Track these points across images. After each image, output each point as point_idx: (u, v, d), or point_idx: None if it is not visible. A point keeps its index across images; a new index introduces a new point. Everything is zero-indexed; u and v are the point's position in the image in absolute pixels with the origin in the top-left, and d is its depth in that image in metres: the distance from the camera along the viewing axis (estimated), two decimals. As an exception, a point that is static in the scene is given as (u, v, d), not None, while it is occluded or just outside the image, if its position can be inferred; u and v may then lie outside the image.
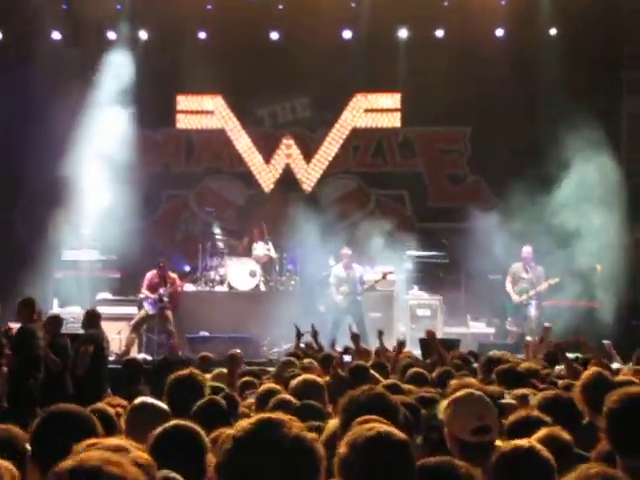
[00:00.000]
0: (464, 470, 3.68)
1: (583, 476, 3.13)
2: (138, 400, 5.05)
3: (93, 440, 3.35)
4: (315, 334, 11.02)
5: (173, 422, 4.22)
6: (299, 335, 10.96)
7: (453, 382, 6.41)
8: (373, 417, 3.55)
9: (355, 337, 10.25)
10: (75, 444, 3.14)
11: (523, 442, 3.84)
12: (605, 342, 11.80)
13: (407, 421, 4.46)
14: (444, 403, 4.58)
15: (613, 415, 4.11)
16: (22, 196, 17.62)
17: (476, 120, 18.50)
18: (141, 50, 18.41)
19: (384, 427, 3.18)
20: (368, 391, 4.44)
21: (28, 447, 3.76)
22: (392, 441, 3.11)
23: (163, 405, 5.04)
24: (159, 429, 4.13)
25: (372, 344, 13.16)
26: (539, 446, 3.82)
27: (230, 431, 2.73)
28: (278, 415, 2.72)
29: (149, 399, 5.10)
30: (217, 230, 17.76)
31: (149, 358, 15.02)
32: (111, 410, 5.20)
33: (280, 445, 2.59)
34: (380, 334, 10.64)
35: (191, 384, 5.70)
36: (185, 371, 5.90)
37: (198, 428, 4.14)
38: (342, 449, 3.11)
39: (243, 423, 2.71)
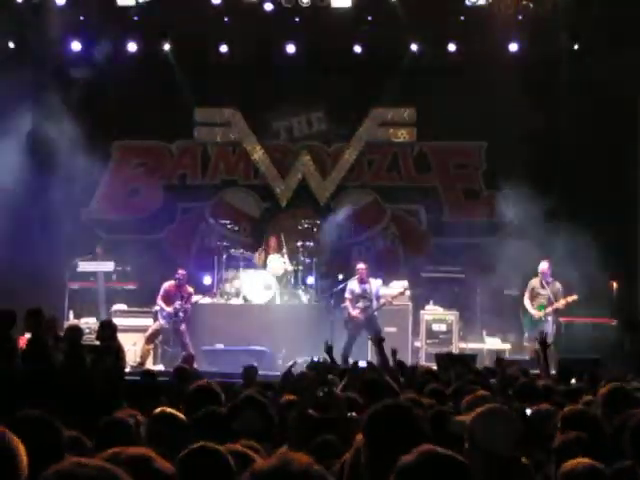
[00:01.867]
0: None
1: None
2: (158, 410, 5.04)
3: (117, 449, 3.33)
4: (330, 350, 10.96)
5: (200, 444, 4.12)
6: (330, 350, 10.86)
7: (468, 397, 6.37)
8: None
9: (394, 352, 10.16)
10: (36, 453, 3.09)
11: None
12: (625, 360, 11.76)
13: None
14: (466, 417, 4.53)
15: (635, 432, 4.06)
16: (38, 208, 17.65)
17: (492, 135, 18.47)
18: (160, 62, 18.45)
19: (442, 450, 3.10)
20: (390, 404, 4.39)
21: None
22: (454, 464, 3.06)
23: (182, 416, 5.02)
24: (185, 451, 4.05)
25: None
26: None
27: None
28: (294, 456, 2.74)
29: (168, 409, 5.08)
30: (233, 242, 17.78)
31: (164, 369, 15.01)
32: (130, 420, 5.19)
33: None
34: (394, 352, 10.55)
35: (210, 395, 5.69)
36: (203, 383, 5.88)
37: (225, 451, 4.07)
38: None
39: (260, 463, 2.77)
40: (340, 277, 16.71)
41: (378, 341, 9.57)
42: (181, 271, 15.91)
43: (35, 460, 2.82)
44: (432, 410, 5.99)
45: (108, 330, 11.75)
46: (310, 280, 17.39)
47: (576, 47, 17.50)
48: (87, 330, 14.74)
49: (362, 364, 8.65)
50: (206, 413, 5.14)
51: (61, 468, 2.53)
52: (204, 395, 5.74)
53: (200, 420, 5.10)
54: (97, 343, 11.96)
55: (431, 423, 5.18)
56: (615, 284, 15.87)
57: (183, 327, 15.73)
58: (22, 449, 2.88)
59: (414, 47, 18.16)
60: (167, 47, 18.33)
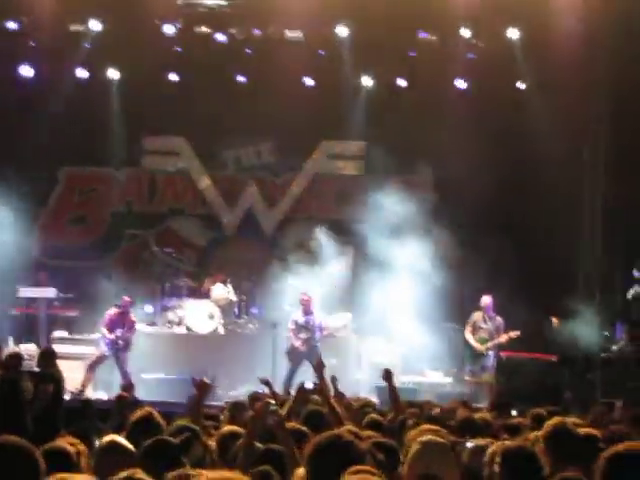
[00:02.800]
0: None
1: None
2: (108, 439, 5.01)
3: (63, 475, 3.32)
4: (267, 383, 10.89)
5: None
6: (267, 383, 10.79)
7: (412, 432, 6.41)
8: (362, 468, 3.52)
9: (334, 379, 10.15)
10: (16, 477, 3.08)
11: None
12: (566, 394, 11.90)
13: (380, 464, 4.45)
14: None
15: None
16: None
17: (438, 168, 18.65)
18: (110, 89, 18.41)
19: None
20: (333, 437, 4.41)
21: None
22: None
23: (130, 446, 4.99)
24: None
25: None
26: None
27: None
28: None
29: (118, 438, 5.06)
30: (177, 271, 17.73)
31: (105, 398, 14.88)
32: (72, 449, 5.15)
33: None
34: (334, 379, 10.56)
35: (152, 424, 5.66)
36: (145, 411, 5.85)
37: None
38: None
39: None
40: (287, 308, 16.66)
41: (319, 366, 9.54)
42: (126, 298, 15.81)
43: None
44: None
45: (48, 357, 11.63)
46: (253, 310, 17.38)
47: (523, 87, 17.81)
48: (27, 357, 14.56)
49: (308, 385, 8.63)
50: (156, 443, 5.11)
51: None
52: (146, 424, 5.70)
53: (148, 449, 5.07)
54: (37, 370, 11.82)
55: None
56: (555, 320, 16.06)
57: (124, 355, 15.61)
58: None
59: (365, 81, 18.33)
60: (116, 75, 18.30)
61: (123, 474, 3.97)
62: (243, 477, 2.94)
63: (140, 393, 14.36)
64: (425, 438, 4.51)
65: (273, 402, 6.00)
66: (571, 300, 17.05)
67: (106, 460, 4.75)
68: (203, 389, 7.18)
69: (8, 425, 9.51)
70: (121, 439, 5.04)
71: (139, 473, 3.69)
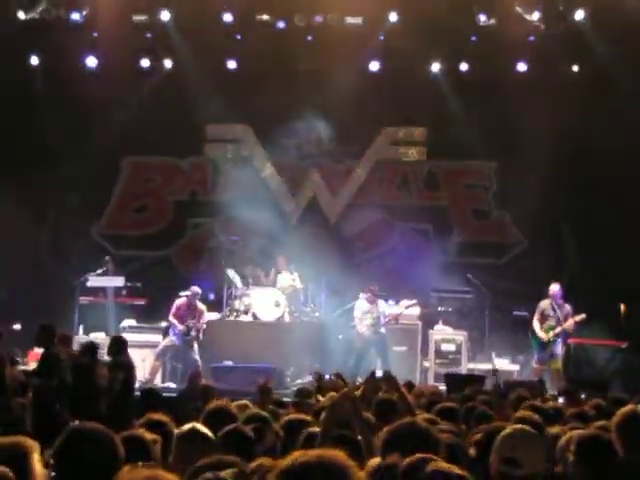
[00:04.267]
0: None
1: None
2: (188, 426, 5.08)
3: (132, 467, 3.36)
4: (320, 377, 10.88)
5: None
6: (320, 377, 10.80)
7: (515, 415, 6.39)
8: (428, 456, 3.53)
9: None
10: (96, 463, 3.13)
11: None
12: None
13: (453, 454, 4.44)
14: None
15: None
16: (48, 223, 17.68)
17: (502, 155, 18.51)
18: (170, 79, 18.56)
19: (444, 464, 3.17)
20: (409, 424, 4.41)
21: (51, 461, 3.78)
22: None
23: (210, 433, 5.05)
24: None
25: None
26: None
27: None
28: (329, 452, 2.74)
29: (198, 426, 5.12)
30: (242, 259, 17.80)
31: (173, 386, 15.03)
32: (148, 437, 5.20)
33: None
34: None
35: (227, 414, 5.71)
36: (221, 402, 5.91)
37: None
38: None
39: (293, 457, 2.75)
40: (360, 296, 16.64)
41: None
42: (194, 288, 15.92)
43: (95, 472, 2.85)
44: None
45: (119, 346, 11.76)
46: (319, 298, 17.42)
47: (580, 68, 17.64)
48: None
49: (378, 373, 8.61)
50: (232, 431, 5.17)
51: None
52: (222, 414, 5.76)
53: (225, 438, 5.13)
54: (107, 358, 11.97)
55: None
56: (624, 306, 15.83)
57: (195, 345, 15.72)
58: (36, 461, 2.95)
59: (428, 67, 18.24)
60: (176, 64, 18.45)
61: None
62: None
63: (209, 382, 14.50)
64: (518, 425, 4.54)
65: (354, 390, 5.99)
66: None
67: (187, 447, 4.80)
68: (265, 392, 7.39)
69: (83, 411, 9.69)
70: (201, 427, 5.10)
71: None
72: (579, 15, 16.81)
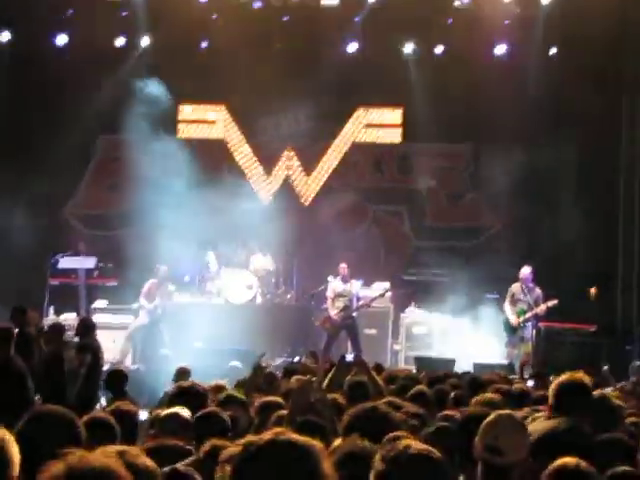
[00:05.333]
0: None
1: None
2: (169, 410, 5.12)
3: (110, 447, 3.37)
4: (314, 356, 10.97)
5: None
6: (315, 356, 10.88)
7: (474, 399, 6.42)
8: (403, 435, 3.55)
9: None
10: (57, 445, 3.12)
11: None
12: (603, 367, 11.81)
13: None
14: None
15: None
16: (20, 203, 17.52)
17: (478, 137, 18.53)
18: (144, 57, 18.42)
19: (421, 445, 3.19)
20: (368, 409, 4.42)
21: None
22: (432, 459, 3.11)
23: (189, 417, 5.09)
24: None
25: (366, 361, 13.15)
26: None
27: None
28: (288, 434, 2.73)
29: (179, 409, 5.16)
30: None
31: (142, 368, 14.99)
32: (112, 419, 5.19)
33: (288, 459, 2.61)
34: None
35: (195, 394, 5.73)
36: (187, 382, 5.90)
37: None
38: (379, 465, 3.10)
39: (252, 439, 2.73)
40: (329, 279, 16.59)
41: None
42: (161, 266, 15.87)
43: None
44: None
45: (86, 328, 11.71)
46: (291, 280, 17.41)
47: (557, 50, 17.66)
48: (67, 327, 14.69)
49: (349, 357, 8.65)
50: (207, 415, 5.22)
51: (69, 463, 2.55)
52: (190, 394, 5.79)
53: (201, 421, 5.19)
54: (75, 340, 11.92)
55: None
56: (594, 290, 15.92)
57: (162, 325, 15.71)
58: (14, 449, 2.93)
59: (404, 48, 18.20)
60: (148, 42, 18.31)
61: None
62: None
63: (180, 363, 14.46)
64: (503, 412, 4.55)
65: (314, 378, 6.03)
66: (612, 269, 17.01)
67: (166, 429, 4.86)
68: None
69: (52, 395, 9.67)
70: (182, 410, 5.15)
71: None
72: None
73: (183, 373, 9.51)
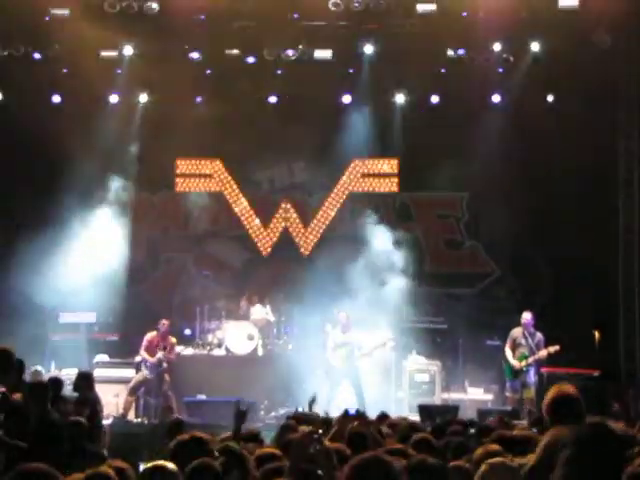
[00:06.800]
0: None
1: None
2: (153, 463, 5.06)
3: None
4: (313, 401, 10.95)
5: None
6: (313, 401, 10.88)
7: (478, 451, 6.40)
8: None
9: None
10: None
11: None
12: (614, 407, 11.81)
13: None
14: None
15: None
16: (17, 261, 17.52)
17: (474, 186, 18.63)
18: (140, 114, 18.55)
19: None
20: (371, 457, 4.42)
21: None
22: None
23: (175, 468, 5.04)
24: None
25: (370, 410, 13.12)
26: None
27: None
28: None
29: (165, 463, 5.11)
30: (215, 293, 17.79)
31: (146, 422, 14.94)
32: (112, 473, 5.18)
33: None
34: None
35: (198, 446, 5.68)
36: (188, 435, 5.86)
37: None
38: None
39: None
40: (328, 328, 16.60)
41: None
42: (164, 321, 15.87)
43: None
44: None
45: (85, 381, 11.69)
46: (292, 330, 17.40)
47: (551, 99, 17.74)
48: (69, 382, 14.65)
49: (351, 411, 8.65)
50: (200, 465, 5.16)
51: None
52: (193, 447, 5.73)
53: (193, 472, 5.12)
54: (74, 394, 11.88)
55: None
56: (597, 334, 15.90)
57: (167, 377, 15.67)
58: None
59: (397, 98, 18.34)
60: (146, 99, 18.44)
61: None
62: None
63: (182, 416, 14.43)
64: (495, 460, 4.55)
65: (318, 430, 5.99)
66: (614, 314, 17.00)
67: None
68: (240, 418, 7.42)
69: (43, 452, 9.60)
70: (168, 463, 5.08)
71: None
72: (535, 47, 16.93)
73: (176, 425, 9.42)
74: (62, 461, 6.20)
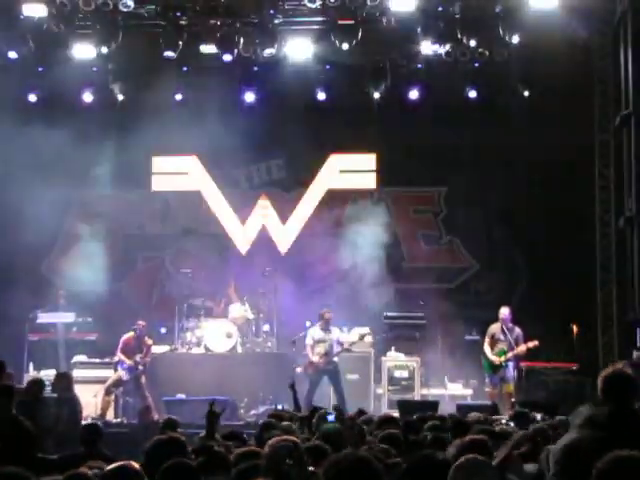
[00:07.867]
0: None
1: None
2: (117, 464, 5.01)
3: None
4: (293, 386, 10.99)
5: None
6: (293, 386, 10.93)
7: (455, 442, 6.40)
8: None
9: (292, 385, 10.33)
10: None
11: None
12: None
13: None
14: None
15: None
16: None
17: (451, 181, 18.65)
18: (117, 111, 18.44)
19: None
20: (351, 455, 4.40)
21: None
22: None
23: (139, 469, 4.99)
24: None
25: (350, 407, 13.15)
26: None
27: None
28: None
29: (130, 462, 5.05)
30: (193, 291, 17.72)
31: (125, 422, 14.88)
32: (90, 473, 5.15)
33: None
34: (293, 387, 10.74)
35: (174, 447, 5.64)
36: (165, 435, 5.83)
37: None
38: None
39: None
40: (307, 324, 16.60)
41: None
42: (140, 322, 15.79)
43: None
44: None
45: (64, 382, 11.63)
46: (268, 327, 17.37)
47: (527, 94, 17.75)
48: (47, 382, 14.56)
49: (330, 418, 8.59)
50: (175, 465, 5.11)
51: None
52: (170, 447, 5.69)
53: (167, 471, 5.07)
54: (53, 395, 11.81)
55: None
56: (575, 328, 15.95)
57: (143, 379, 15.61)
58: None
59: (374, 94, 18.31)
60: (121, 96, 18.32)
61: None
62: None
63: (161, 416, 14.38)
64: (471, 455, 4.54)
65: (292, 440, 5.90)
66: (592, 308, 17.07)
67: None
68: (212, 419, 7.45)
69: (17, 454, 9.51)
70: (132, 463, 5.04)
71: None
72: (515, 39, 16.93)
73: (170, 424, 9.38)
74: (32, 465, 6.14)
